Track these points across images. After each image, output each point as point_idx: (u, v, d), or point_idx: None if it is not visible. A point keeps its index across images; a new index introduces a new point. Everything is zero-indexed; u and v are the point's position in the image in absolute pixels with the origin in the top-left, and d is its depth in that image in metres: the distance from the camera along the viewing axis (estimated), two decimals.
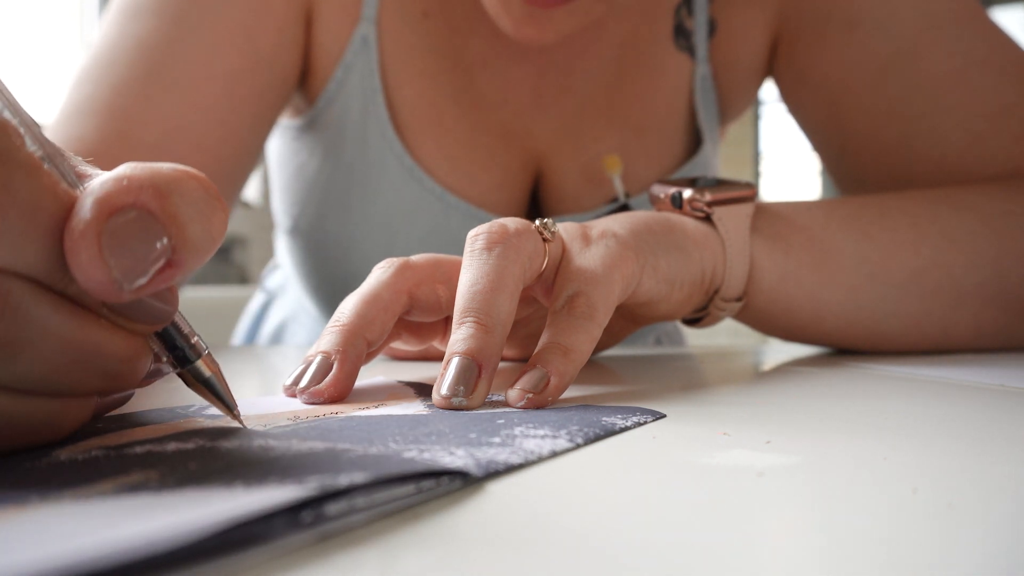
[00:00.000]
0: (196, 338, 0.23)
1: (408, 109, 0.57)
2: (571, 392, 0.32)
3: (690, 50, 0.59)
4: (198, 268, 0.20)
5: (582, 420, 0.25)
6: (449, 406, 0.27)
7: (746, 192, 0.42)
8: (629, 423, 0.24)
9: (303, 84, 0.58)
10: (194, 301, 1.26)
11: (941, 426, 0.25)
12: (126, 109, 0.49)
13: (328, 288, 0.63)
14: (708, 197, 0.41)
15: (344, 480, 0.16)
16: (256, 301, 0.81)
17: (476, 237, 0.31)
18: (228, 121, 0.52)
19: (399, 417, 0.25)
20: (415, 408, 0.27)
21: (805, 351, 0.50)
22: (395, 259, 0.35)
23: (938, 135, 0.52)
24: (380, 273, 0.34)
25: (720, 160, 0.66)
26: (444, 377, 0.28)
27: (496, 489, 0.18)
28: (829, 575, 0.13)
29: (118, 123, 0.48)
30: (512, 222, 0.32)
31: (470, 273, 0.30)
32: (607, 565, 0.14)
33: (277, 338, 0.75)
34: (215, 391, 0.23)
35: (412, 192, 0.57)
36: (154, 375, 0.23)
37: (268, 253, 2.60)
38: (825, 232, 0.44)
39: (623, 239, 0.35)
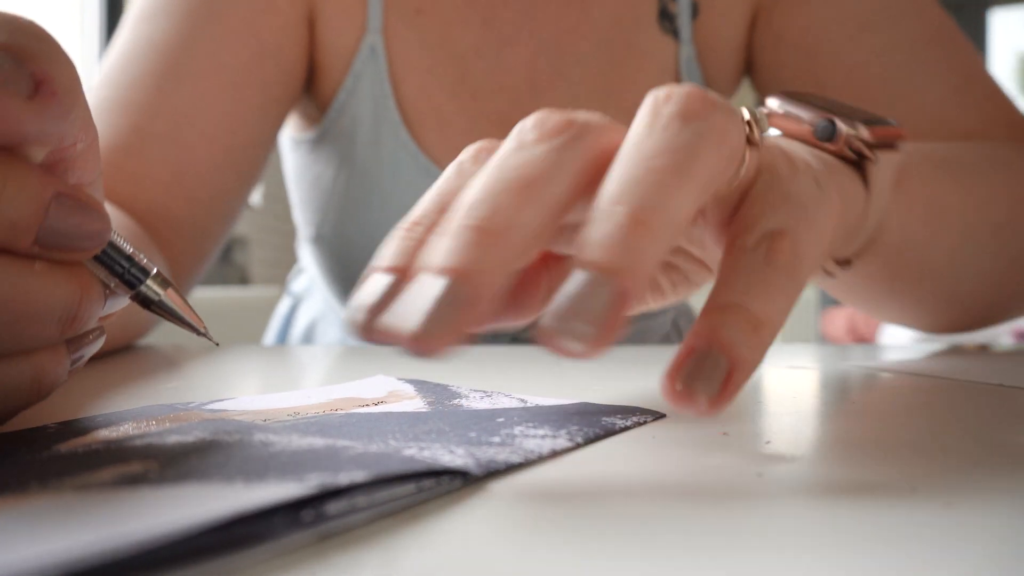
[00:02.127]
0: (142, 257, 0.22)
1: (411, 104, 0.58)
2: (570, 392, 0.32)
3: (674, 32, 0.61)
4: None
5: (582, 420, 0.25)
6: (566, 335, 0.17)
7: (899, 132, 0.33)
8: (629, 423, 0.24)
9: (313, 88, 0.60)
10: (194, 301, 1.26)
11: (940, 425, 0.25)
12: (139, 103, 0.51)
13: (354, 292, 0.64)
14: (872, 140, 0.31)
15: (344, 479, 0.16)
16: (283, 305, 0.83)
17: (667, 99, 0.21)
18: (235, 112, 0.54)
19: (399, 414, 0.25)
20: (415, 405, 0.27)
21: (804, 351, 0.50)
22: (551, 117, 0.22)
23: (918, 85, 0.55)
24: (535, 147, 0.21)
25: None
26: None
27: (496, 489, 0.18)
28: (829, 575, 0.13)
29: (131, 117, 0.50)
30: (715, 96, 0.22)
31: (651, 143, 0.20)
32: (607, 565, 0.14)
33: (307, 339, 0.77)
34: (172, 312, 0.23)
35: (426, 187, 0.58)
36: (114, 305, 0.23)
37: (268, 253, 2.61)
38: (934, 181, 0.39)
39: (830, 185, 0.26)
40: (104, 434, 0.21)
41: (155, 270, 0.22)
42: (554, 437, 0.22)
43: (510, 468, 0.19)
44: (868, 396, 0.31)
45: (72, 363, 0.22)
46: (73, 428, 0.23)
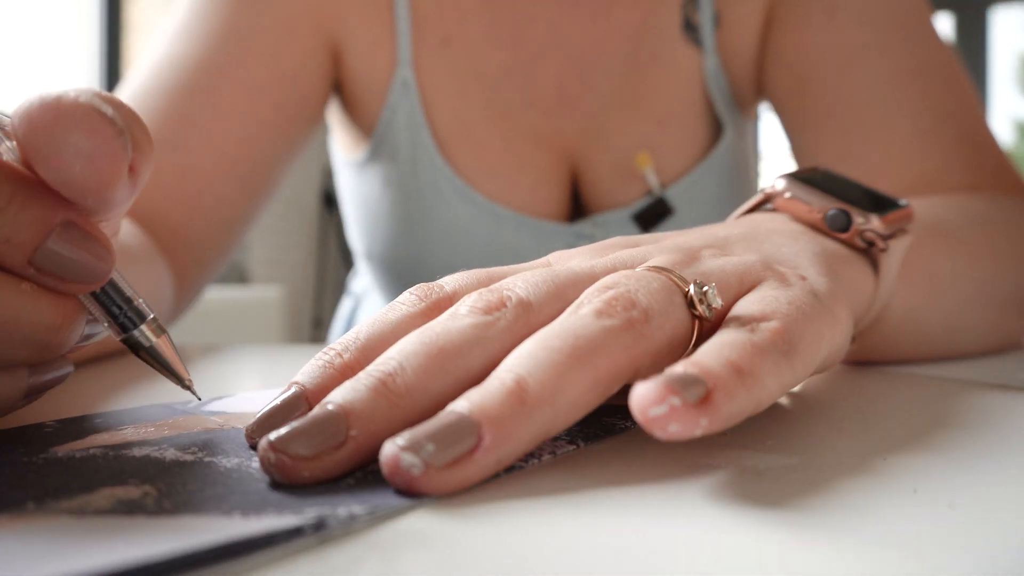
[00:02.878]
0: (140, 301, 0.22)
1: (445, 131, 0.60)
2: None
3: (698, 43, 0.62)
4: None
5: (582, 420, 0.25)
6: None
7: (909, 213, 0.33)
8: (629, 423, 0.24)
9: (353, 115, 0.62)
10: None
11: (941, 425, 0.25)
12: (149, 110, 0.52)
13: None
14: (885, 231, 0.31)
15: (343, 511, 0.16)
16: (345, 306, 0.85)
17: (590, 299, 0.21)
18: (245, 125, 0.55)
19: None
20: None
21: None
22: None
23: (890, 125, 0.56)
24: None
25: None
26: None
27: (496, 490, 0.18)
28: None
29: None
30: (646, 290, 0.21)
31: (558, 327, 0.20)
32: (608, 565, 0.14)
33: None
34: (161, 361, 0.22)
35: (465, 210, 0.60)
36: (85, 339, 0.22)
37: (268, 253, 2.61)
38: (925, 252, 0.39)
39: (832, 298, 0.26)
40: (103, 438, 0.21)
41: (151, 316, 0.22)
42: (555, 438, 0.22)
43: (510, 470, 0.19)
44: (868, 396, 0.31)
45: (30, 389, 0.21)
46: (71, 428, 0.23)
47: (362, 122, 0.62)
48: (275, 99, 0.56)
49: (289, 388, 0.22)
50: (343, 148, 0.67)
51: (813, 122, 0.58)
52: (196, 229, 0.54)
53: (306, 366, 0.22)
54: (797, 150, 0.61)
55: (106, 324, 0.21)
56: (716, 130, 0.63)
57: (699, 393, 0.18)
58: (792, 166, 0.63)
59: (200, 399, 0.23)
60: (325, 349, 0.22)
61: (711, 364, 0.19)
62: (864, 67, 0.56)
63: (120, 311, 0.21)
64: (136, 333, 0.21)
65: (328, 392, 0.21)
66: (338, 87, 0.62)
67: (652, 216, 0.61)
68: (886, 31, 0.57)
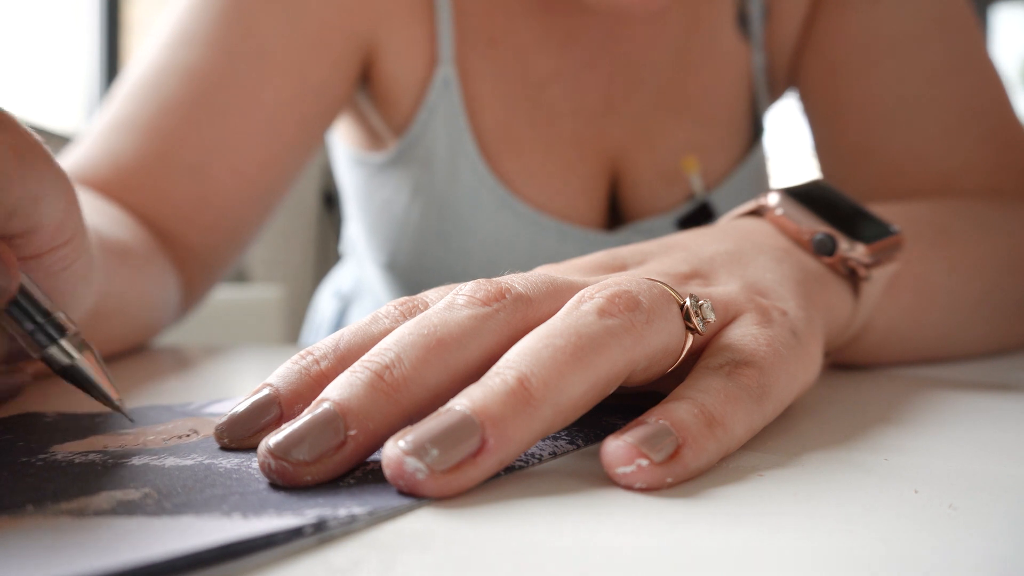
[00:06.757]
0: (60, 314, 0.20)
1: (488, 136, 0.57)
2: None
3: (748, 37, 0.60)
4: None
5: (582, 421, 0.24)
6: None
7: (899, 241, 0.34)
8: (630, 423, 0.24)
9: (381, 113, 0.58)
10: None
11: (942, 426, 0.25)
12: (169, 130, 0.49)
13: None
14: (868, 260, 0.32)
15: (343, 512, 0.16)
16: (329, 308, 0.81)
17: (591, 295, 0.21)
18: (268, 149, 0.52)
19: None
20: None
21: None
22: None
23: (917, 122, 0.55)
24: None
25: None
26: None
27: (496, 490, 0.18)
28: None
29: (158, 143, 0.49)
30: (647, 294, 0.22)
31: (560, 325, 0.20)
32: (608, 565, 0.14)
33: None
34: (84, 379, 0.20)
35: (508, 221, 0.58)
36: (14, 358, 0.21)
37: (267, 252, 2.61)
38: (921, 265, 0.39)
39: (808, 332, 0.26)
40: (102, 441, 0.21)
41: (73, 330, 0.20)
42: (555, 438, 0.22)
43: (510, 470, 0.19)
44: (869, 397, 0.31)
45: None
46: (71, 422, 0.23)
47: (392, 121, 0.58)
48: (299, 116, 0.53)
49: (261, 389, 0.21)
50: (357, 145, 0.62)
51: (839, 112, 0.57)
52: (211, 250, 0.52)
53: (281, 368, 0.22)
54: (819, 141, 0.59)
55: (21, 340, 0.20)
56: (752, 128, 0.62)
57: (669, 450, 0.19)
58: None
59: (132, 421, 0.21)
60: (303, 352, 0.22)
61: (683, 416, 0.19)
62: (899, 58, 0.55)
63: (36, 326, 0.20)
64: (54, 350, 0.20)
65: (301, 399, 0.21)
66: (365, 82, 0.57)
67: (695, 222, 0.58)
68: (927, 23, 0.55)
